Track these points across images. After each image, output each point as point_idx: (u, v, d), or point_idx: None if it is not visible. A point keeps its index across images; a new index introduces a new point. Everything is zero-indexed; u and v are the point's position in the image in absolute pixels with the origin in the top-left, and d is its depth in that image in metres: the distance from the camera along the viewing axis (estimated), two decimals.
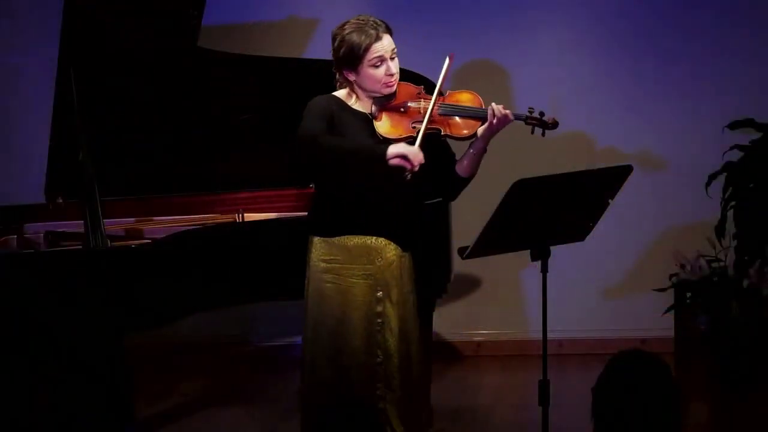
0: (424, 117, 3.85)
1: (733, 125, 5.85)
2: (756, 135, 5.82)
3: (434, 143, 3.88)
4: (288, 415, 5.29)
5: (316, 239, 3.95)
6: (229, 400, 5.70)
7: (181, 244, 4.48)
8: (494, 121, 3.85)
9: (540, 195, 3.87)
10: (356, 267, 3.90)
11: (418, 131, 3.81)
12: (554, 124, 3.93)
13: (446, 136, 3.89)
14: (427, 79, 4.78)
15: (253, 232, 4.75)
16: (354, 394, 3.91)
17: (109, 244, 4.41)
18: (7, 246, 4.74)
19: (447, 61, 3.89)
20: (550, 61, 6.08)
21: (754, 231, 5.70)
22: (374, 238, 3.92)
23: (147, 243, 4.61)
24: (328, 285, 3.91)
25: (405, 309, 3.98)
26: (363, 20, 3.86)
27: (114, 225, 4.80)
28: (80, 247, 4.52)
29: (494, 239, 3.92)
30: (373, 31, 3.83)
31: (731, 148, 5.81)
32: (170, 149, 5.01)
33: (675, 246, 5.83)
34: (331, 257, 3.91)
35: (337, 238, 3.91)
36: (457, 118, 3.90)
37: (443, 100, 3.91)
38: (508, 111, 3.87)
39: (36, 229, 4.84)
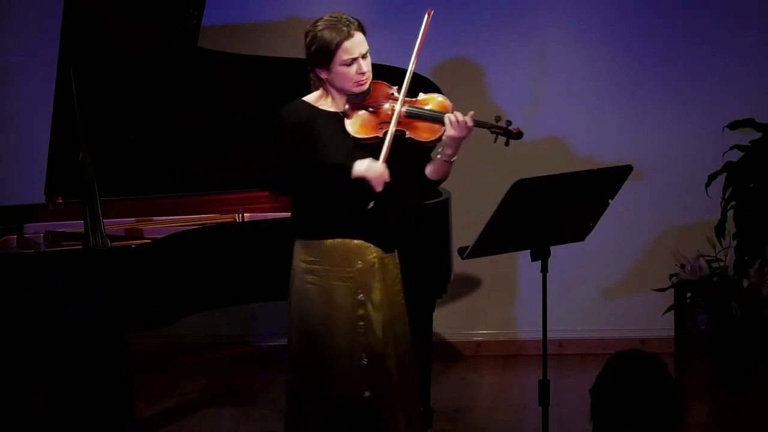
0: (391, 119, 3.84)
1: (733, 125, 5.84)
2: (756, 135, 5.82)
3: (404, 142, 3.87)
4: None
5: (298, 241, 3.96)
6: (229, 400, 5.70)
7: (181, 244, 4.48)
8: (452, 128, 3.81)
9: (540, 195, 3.87)
10: (336, 269, 3.91)
11: (386, 133, 3.81)
12: (518, 135, 3.84)
13: (410, 138, 3.86)
14: (427, 79, 4.80)
15: (253, 232, 4.75)
16: (339, 396, 3.90)
17: (109, 244, 4.41)
18: (7, 246, 4.74)
19: (426, 17, 3.87)
20: (549, 61, 6.07)
21: (754, 231, 5.70)
22: (353, 240, 3.92)
23: (147, 243, 4.61)
24: (310, 286, 3.92)
25: (390, 311, 3.97)
26: (335, 17, 3.86)
27: (114, 225, 4.80)
28: (80, 247, 4.51)
29: (494, 239, 3.93)
30: (344, 29, 3.82)
31: (731, 148, 5.80)
32: (170, 149, 5.01)
33: (675, 246, 5.83)
34: (312, 259, 3.92)
35: (316, 240, 3.92)
36: (421, 121, 3.87)
37: (412, 103, 3.89)
38: (467, 118, 3.82)
39: (36, 229, 4.84)
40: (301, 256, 3.94)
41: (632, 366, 2.72)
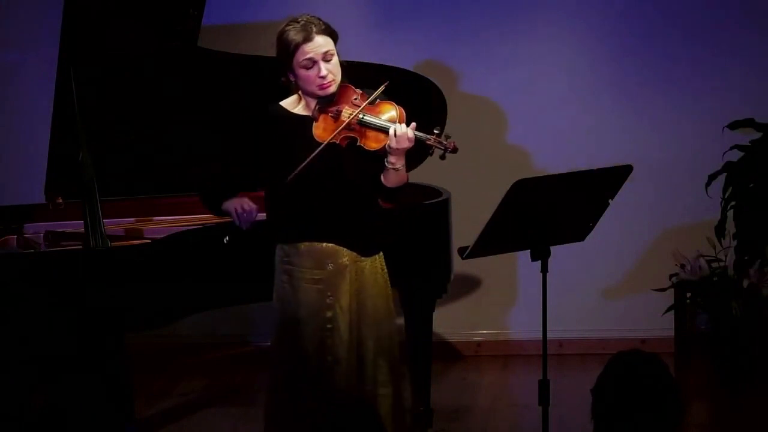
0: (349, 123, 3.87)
1: (733, 125, 5.84)
2: (756, 135, 5.82)
3: (356, 149, 3.89)
4: None
5: (277, 243, 4.01)
6: (229, 400, 5.70)
7: (181, 244, 4.48)
8: (394, 140, 3.81)
9: (540, 195, 3.87)
10: (306, 270, 3.94)
11: (344, 138, 3.86)
12: (454, 150, 3.82)
13: (360, 146, 3.88)
14: (428, 79, 4.79)
15: (252, 231, 4.74)
16: (311, 394, 3.93)
17: (109, 244, 4.41)
18: (7, 246, 4.74)
19: (382, 87, 3.87)
20: (549, 61, 6.07)
21: (754, 231, 5.70)
22: (323, 243, 3.94)
23: (147, 243, 4.61)
24: (286, 286, 3.97)
25: (358, 315, 3.98)
26: (300, 19, 3.87)
27: (114, 225, 4.80)
28: (80, 247, 4.51)
29: (494, 239, 3.93)
30: (303, 33, 3.83)
31: (731, 148, 5.80)
32: (170, 149, 5.00)
33: (675, 246, 5.83)
34: (287, 260, 3.96)
35: (290, 243, 3.95)
36: (370, 130, 3.87)
37: (368, 111, 3.88)
38: (408, 131, 3.80)
39: (36, 229, 4.83)
40: (279, 256, 4.00)
41: (633, 366, 2.72)
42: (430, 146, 3.84)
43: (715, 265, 5.74)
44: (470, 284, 6.22)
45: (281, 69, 3.93)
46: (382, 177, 3.93)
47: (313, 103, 3.93)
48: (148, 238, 4.71)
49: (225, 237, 3.96)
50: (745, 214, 5.71)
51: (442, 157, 3.86)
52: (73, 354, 4.31)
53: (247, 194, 4.98)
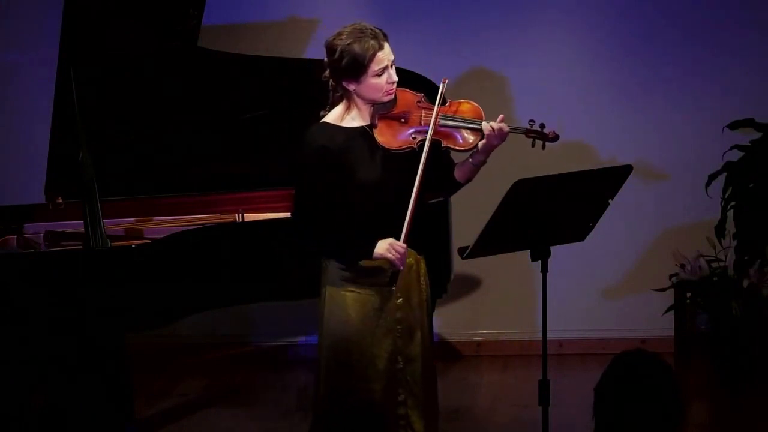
0: (424, 127, 3.82)
1: (733, 125, 5.84)
2: (756, 135, 5.82)
3: (438, 150, 3.86)
4: (288, 416, 5.29)
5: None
6: (229, 400, 5.70)
7: (181, 244, 4.49)
8: (491, 137, 3.81)
9: (540, 195, 3.87)
10: (376, 275, 3.84)
11: (420, 143, 3.79)
12: (554, 138, 3.88)
13: (446, 147, 3.86)
14: (429, 80, 4.80)
15: (253, 232, 4.75)
16: (374, 401, 3.86)
17: (109, 244, 4.41)
18: (7, 246, 4.74)
19: (441, 85, 3.85)
20: (549, 62, 6.08)
21: (754, 231, 5.70)
22: None
23: (147, 243, 4.61)
24: (347, 294, 3.84)
25: (422, 312, 3.96)
26: (361, 29, 3.77)
27: (114, 225, 4.80)
28: (80, 247, 4.52)
29: (494, 239, 3.92)
30: (374, 41, 3.74)
31: (731, 148, 5.80)
32: (170, 149, 5.01)
33: (675, 246, 5.83)
34: (349, 268, 3.85)
35: None
36: (457, 130, 3.86)
37: (444, 112, 3.87)
38: (503, 125, 3.82)
39: (36, 229, 4.84)
40: (336, 263, 3.86)
41: (634, 366, 2.73)
42: (531, 137, 3.88)
43: (715, 265, 5.75)
44: (470, 284, 6.22)
45: (341, 78, 3.78)
46: (459, 173, 3.95)
47: (366, 111, 3.83)
48: (148, 238, 4.71)
49: (392, 287, 3.85)
50: (745, 214, 5.71)
51: (543, 147, 3.91)
52: (73, 354, 4.31)
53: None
